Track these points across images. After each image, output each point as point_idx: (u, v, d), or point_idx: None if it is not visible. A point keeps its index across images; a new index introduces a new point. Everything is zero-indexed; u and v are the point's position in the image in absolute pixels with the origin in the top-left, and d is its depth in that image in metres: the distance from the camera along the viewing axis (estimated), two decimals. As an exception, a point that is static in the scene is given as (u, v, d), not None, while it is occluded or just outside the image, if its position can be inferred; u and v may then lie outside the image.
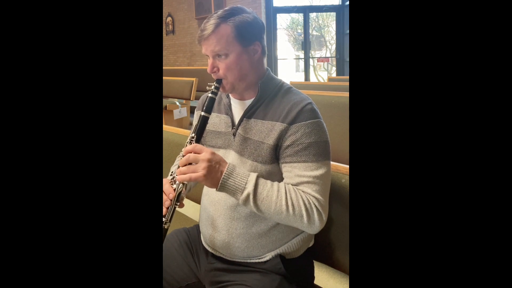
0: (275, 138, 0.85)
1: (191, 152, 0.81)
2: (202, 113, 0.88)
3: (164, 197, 0.85)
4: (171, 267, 0.99)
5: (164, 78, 4.26)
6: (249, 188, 0.81)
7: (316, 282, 1.04)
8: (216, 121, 0.98)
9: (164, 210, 0.84)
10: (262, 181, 0.83)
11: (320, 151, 0.84)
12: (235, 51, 0.87)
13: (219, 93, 1.00)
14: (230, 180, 0.81)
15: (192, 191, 1.46)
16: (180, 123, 4.26)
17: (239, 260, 0.93)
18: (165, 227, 0.84)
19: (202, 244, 1.02)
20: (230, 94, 0.98)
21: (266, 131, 0.87)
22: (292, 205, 0.80)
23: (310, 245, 0.99)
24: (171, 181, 0.88)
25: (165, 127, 1.65)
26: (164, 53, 7.37)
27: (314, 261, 1.04)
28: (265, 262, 0.91)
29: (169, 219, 0.84)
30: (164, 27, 7.28)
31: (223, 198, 0.92)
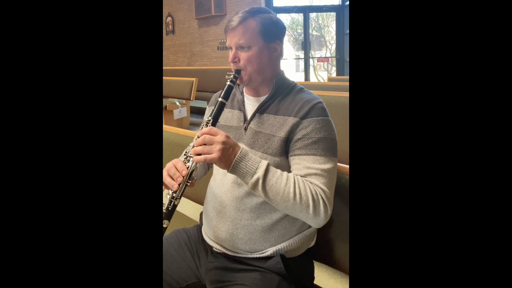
0: (287, 131, 0.89)
1: (207, 134, 0.83)
2: (220, 99, 0.92)
3: (177, 173, 0.86)
4: (170, 268, 0.99)
5: (164, 78, 4.26)
6: (259, 173, 0.83)
7: (316, 282, 1.04)
8: (229, 116, 1.02)
9: (176, 186, 0.85)
10: (272, 168, 0.85)
11: (328, 147, 0.88)
12: (257, 45, 0.92)
13: (233, 90, 1.04)
14: (242, 163, 0.83)
15: (192, 192, 1.46)
16: (180, 123, 4.27)
17: (240, 255, 0.94)
18: (176, 203, 0.85)
19: (203, 244, 1.03)
20: (244, 91, 1.02)
21: (278, 125, 0.91)
22: (300, 193, 0.82)
23: (311, 245, 1.00)
24: (185, 160, 0.89)
25: (165, 127, 1.65)
26: (164, 53, 7.37)
27: (314, 261, 1.04)
28: (265, 260, 0.92)
29: (179, 195, 0.85)
30: (164, 27, 7.28)
31: (230, 189, 0.94)
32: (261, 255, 0.92)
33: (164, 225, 0.83)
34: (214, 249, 0.98)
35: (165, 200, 0.84)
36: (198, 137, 0.85)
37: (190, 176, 0.86)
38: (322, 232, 1.03)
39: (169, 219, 0.83)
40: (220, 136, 0.82)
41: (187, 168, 0.86)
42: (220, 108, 0.91)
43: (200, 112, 5.25)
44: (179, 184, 0.85)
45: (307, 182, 0.85)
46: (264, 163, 0.84)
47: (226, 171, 0.95)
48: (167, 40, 7.34)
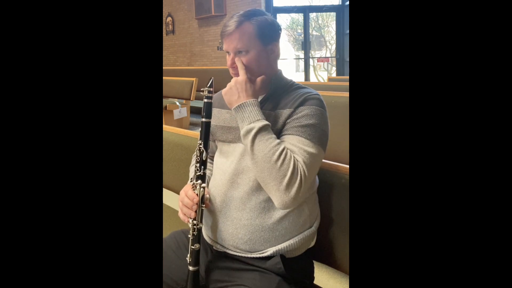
0: (283, 122, 0.91)
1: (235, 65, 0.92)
2: (203, 120, 0.93)
3: (191, 203, 0.90)
4: (169, 269, 0.99)
5: (164, 78, 4.26)
6: (258, 124, 0.85)
7: (316, 282, 1.04)
8: (227, 117, 1.02)
9: (193, 214, 0.90)
10: (270, 130, 0.87)
11: (316, 135, 0.88)
12: (255, 49, 0.93)
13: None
14: (247, 108, 0.87)
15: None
16: (180, 123, 4.26)
17: (240, 254, 0.94)
18: (198, 227, 0.90)
19: (202, 244, 1.03)
20: None
21: (274, 119, 0.93)
22: (283, 160, 0.82)
23: (311, 245, 0.99)
24: (192, 187, 0.92)
25: (165, 127, 1.65)
26: (164, 53, 7.37)
27: (314, 261, 1.04)
28: (265, 260, 0.92)
29: (200, 220, 0.90)
30: (164, 27, 7.27)
31: (230, 189, 0.95)
32: (261, 255, 0.92)
33: (196, 248, 0.90)
34: (214, 248, 0.98)
35: (190, 225, 0.91)
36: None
37: (202, 200, 0.90)
38: (322, 232, 1.03)
39: (198, 242, 0.90)
40: (238, 79, 0.90)
41: (197, 195, 0.90)
42: (207, 128, 0.93)
43: (200, 112, 5.24)
44: (196, 211, 0.90)
45: (294, 156, 0.85)
46: (264, 121, 0.86)
47: (225, 171, 0.96)
48: (167, 40, 7.33)
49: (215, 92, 1.06)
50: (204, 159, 0.92)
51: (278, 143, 0.85)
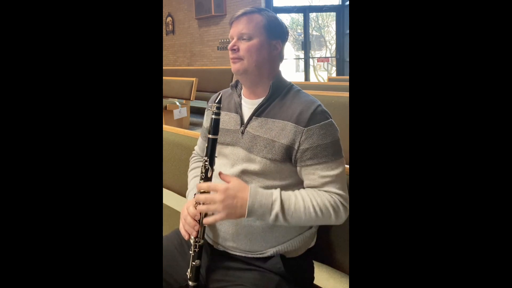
0: (289, 139, 0.89)
1: (206, 191, 0.86)
2: (210, 136, 0.90)
3: (193, 223, 0.90)
4: (171, 266, 0.99)
5: (164, 78, 4.26)
6: (276, 208, 0.84)
7: (316, 282, 1.04)
8: (226, 119, 1.01)
9: (195, 233, 0.90)
10: (286, 195, 0.87)
11: (336, 150, 0.90)
12: (259, 38, 0.93)
13: (230, 92, 1.07)
14: (255, 206, 0.84)
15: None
16: (180, 123, 4.26)
17: (240, 254, 0.94)
18: (200, 244, 0.90)
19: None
20: (242, 93, 1.01)
21: (277, 130, 0.91)
22: (320, 209, 0.86)
23: (311, 245, 1.00)
24: (195, 205, 0.91)
25: (165, 127, 1.65)
26: (164, 53, 7.37)
27: (314, 261, 1.04)
28: (265, 260, 0.92)
29: (201, 236, 0.91)
30: (164, 27, 7.27)
31: None
32: (261, 255, 0.92)
33: (197, 264, 0.90)
34: (214, 247, 0.98)
35: (191, 241, 0.92)
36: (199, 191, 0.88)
37: (205, 215, 0.90)
38: (322, 233, 1.03)
39: (199, 258, 0.90)
40: (219, 194, 0.84)
41: (200, 213, 0.90)
42: (213, 144, 0.90)
43: (200, 112, 5.25)
44: (198, 231, 0.90)
45: (322, 193, 0.87)
46: (276, 195, 0.85)
47: (227, 170, 0.96)
48: (167, 40, 7.33)
49: (215, 92, 1.05)
50: (209, 176, 0.90)
51: (303, 200, 0.86)
